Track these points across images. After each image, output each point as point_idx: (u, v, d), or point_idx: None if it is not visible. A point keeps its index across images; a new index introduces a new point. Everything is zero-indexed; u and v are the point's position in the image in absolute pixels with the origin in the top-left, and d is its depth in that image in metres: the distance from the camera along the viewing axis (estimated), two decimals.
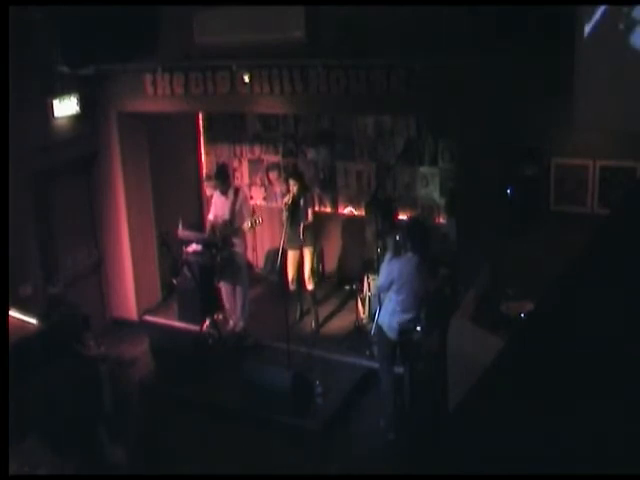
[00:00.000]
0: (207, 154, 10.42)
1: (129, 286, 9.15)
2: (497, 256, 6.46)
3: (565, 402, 1.52)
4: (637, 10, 5.85)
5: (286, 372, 7.22)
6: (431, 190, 9.04)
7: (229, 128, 10.14)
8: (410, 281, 6.39)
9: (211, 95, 7.98)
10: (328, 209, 9.77)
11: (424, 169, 9.03)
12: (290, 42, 7.26)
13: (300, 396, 7.15)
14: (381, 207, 8.03)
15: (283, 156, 9.93)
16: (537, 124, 6.48)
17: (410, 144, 9.00)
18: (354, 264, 9.27)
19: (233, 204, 8.33)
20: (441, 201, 8.95)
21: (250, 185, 10.20)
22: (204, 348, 8.18)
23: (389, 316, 6.53)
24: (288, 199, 8.36)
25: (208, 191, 9.99)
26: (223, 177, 8.52)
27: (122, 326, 9.10)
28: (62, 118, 8.15)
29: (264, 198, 10.21)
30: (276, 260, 8.34)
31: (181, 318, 8.97)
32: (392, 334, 6.54)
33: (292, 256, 8.59)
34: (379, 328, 6.68)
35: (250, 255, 9.86)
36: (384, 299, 6.68)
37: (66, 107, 8.16)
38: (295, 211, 8.29)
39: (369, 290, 8.22)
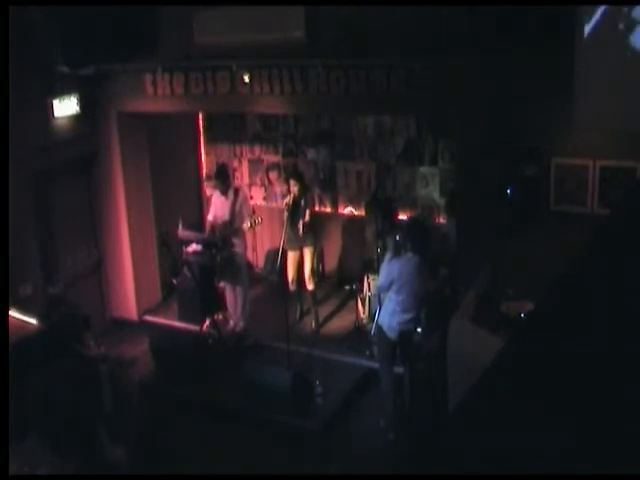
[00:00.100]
0: (207, 154, 10.43)
1: (129, 286, 9.15)
2: (497, 256, 6.46)
3: (565, 402, 1.52)
4: (637, 10, 5.85)
5: (286, 372, 7.22)
6: (431, 190, 9.04)
7: (229, 128, 10.14)
8: (410, 281, 6.39)
9: (211, 95, 7.98)
10: (328, 209, 9.77)
11: (424, 169, 9.03)
12: (290, 42, 7.26)
13: (300, 396, 7.15)
14: (381, 207, 8.03)
15: (283, 156, 9.93)
16: (537, 124, 6.48)
17: (410, 144, 9.00)
18: (354, 264, 9.27)
19: (233, 204, 8.33)
20: (441, 201, 8.95)
21: (250, 185, 10.20)
22: (204, 348, 8.18)
23: (389, 316, 6.53)
24: (289, 199, 8.36)
25: (208, 191, 9.99)
26: (223, 177, 8.52)
27: (122, 326, 9.09)
28: (62, 118, 8.15)
29: (264, 198, 10.21)
30: (276, 260, 8.34)
31: (181, 318, 8.97)
32: (392, 334, 6.54)
33: (292, 257, 8.59)
34: (379, 328, 6.68)
35: (250, 255, 9.86)
36: (384, 299, 6.68)
37: (66, 107, 8.16)
38: (296, 211, 8.29)
39: (369, 290, 8.22)
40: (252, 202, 9.87)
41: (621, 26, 5.95)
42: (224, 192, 8.43)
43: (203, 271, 8.52)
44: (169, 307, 9.35)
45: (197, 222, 9.96)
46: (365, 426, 6.95)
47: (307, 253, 8.57)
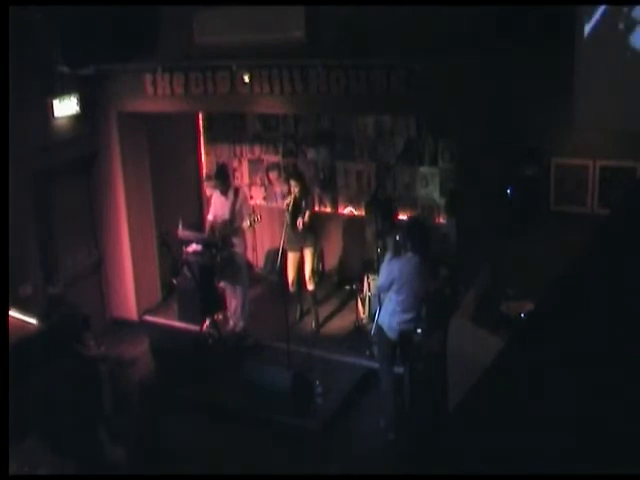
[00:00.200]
0: (207, 154, 10.43)
1: (129, 286, 9.15)
2: (497, 256, 6.46)
3: (565, 402, 1.52)
4: (637, 10, 5.85)
5: (286, 372, 7.22)
6: (431, 190, 9.04)
7: (229, 128, 10.14)
8: (410, 281, 6.39)
9: (211, 95, 7.98)
10: (328, 209, 9.77)
11: (424, 169, 9.03)
12: (290, 42, 7.26)
13: (300, 396, 7.15)
14: (381, 207, 8.03)
15: (283, 156, 9.93)
16: (537, 124, 6.48)
17: (410, 144, 9.00)
18: (354, 264, 9.27)
19: (233, 204, 8.33)
20: (441, 201, 8.95)
21: (250, 185, 10.20)
22: (204, 348, 8.18)
23: (389, 316, 6.53)
24: (290, 200, 8.36)
25: (208, 191, 9.99)
26: (223, 177, 8.53)
27: (122, 326, 9.09)
28: (62, 118, 8.15)
29: (264, 198, 10.21)
30: (276, 260, 8.34)
31: (181, 318, 8.97)
32: (392, 334, 6.54)
33: (292, 258, 8.58)
34: (379, 328, 6.68)
35: (250, 255, 9.86)
36: (384, 299, 6.68)
37: (66, 107, 8.16)
38: (296, 212, 8.29)
39: (369, 290, 8.22)
40: (252, 202, 9.87)
41: (621, 26, 5.95)
42: (224, 192, 8.43)
43: (203, 271, 8.52)
44: (169, 307, 9.35)
45: (197, 222, 9.96)
46: (365, 426, 6.95)
47: (307, 254, 8.57)
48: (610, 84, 6.01)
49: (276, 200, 9.99)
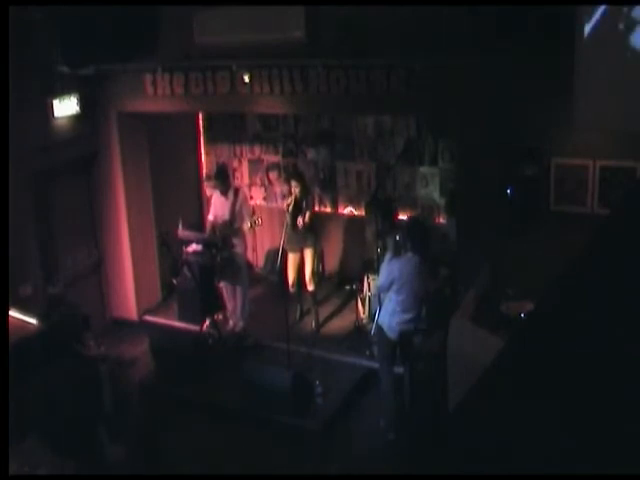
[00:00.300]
0: (207, 154, 10.42)
1: (129, 286, 9.15)
2: (497, 256, 6.46)
3: (565, 402, 1.52)
4: (637, 10, 5.85)
5: (286, 372, 7.22)
6: (431, 190, 9.04)
7: (229, 128, 10.14)
8: (410, 281, 6.39)
9: (211, 95, 7.98)
10: (328, 209, 9.77)
11: (424, 169, 9.03)
12: (290, 42, 7.26)
13: (300, 396, 7.15)
14: (381, 207, 8.03)
15: (283, 156, 9.93)
16: (537, 124, 6.48)
17: (410, 144, 9.00)
18: (354, 264, 9.27)
19: (233, 204, 8.33)
20: (441, 201, 8.95)
21: (250, 185, 10.20)
22: (204, 348, 8.18)
23: (389, 316, 6.53)
24: (290, 200, 8.35)
25: (208, 191, 9.99)
26: (223, 177, 8.53)
27: (122, 326, 9.09)
28: (62, 118, 8.15)
29: (264, 198, 10.21)
30: (276, 260, 8.33)
31: (181, 318, 8.97)
32: (392, 334, 6.54)
33: (292, 259, 8.58)
34: (379, 328, 6.68)
35: (250, 255, 9.86)
36: (384, 299, 6.68)
37: (66, 107, 8.16)
38: (297, 213, 8.29)
39: (369, 290, 8.22)
40: (252, 202, 9.86)
41: (621, 26, 5.95)
42: (224, 192, 8.43)
43: (203, 271, 8.52)
44: (169, 307, 9.35)
45: (197, 222, 9.96)
46: (365, 426, 6.95)
47: (308, 255, 8.57)
48: (610, 84, 6.01)
49: (276, 200, 9.99)
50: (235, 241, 8.39)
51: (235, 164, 10.23)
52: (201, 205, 10.39)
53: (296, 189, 8.35)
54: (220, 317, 8.71)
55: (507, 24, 6.20)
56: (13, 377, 5.30)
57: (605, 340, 1.65)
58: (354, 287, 8.72)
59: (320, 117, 9.45)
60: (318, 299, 8.95)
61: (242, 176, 10.24)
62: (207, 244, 8.48)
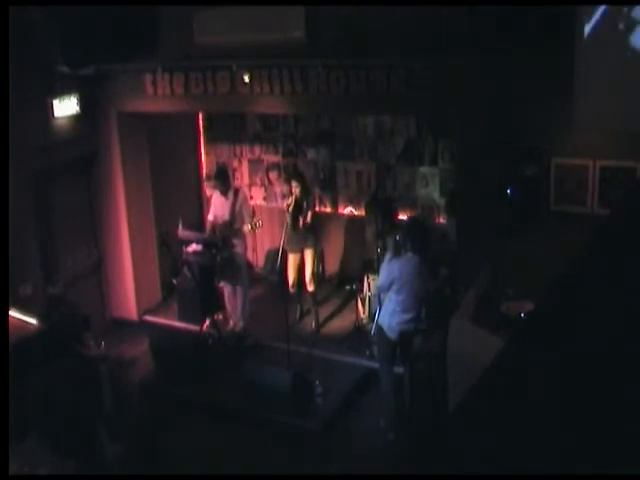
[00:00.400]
0: (207, 154, 10.42)
1: (129, 286, 9.15)
2: (497, 256, 6.46)
3: (565, 402, 1.52)
4: (637, 10, 5.85)
5: (286, 372, 7.22)
6: (431, 190, 9.04)
7: (229, 128, 10.14)
8: (410, 281, 6.39)
9: (211, 95, 7.98)
10: (328, 209, 9.77)
11: (424, 169, 9.03)
12: (290, 42, 7.26)
13: (300, 396, 7.15)
14: (381, 207, 8.03)
15: (283, 156, 9.93)
16: (537, 124, 6.48)
17: (410, 144, 9.00)
18: (354, 264, 9.27)
19: (233, 205, 8.33)
20: (441, 201, 8.95)
21: (250, 185, 10.20)
22: (204, 348, 8.18)
23: (389, 316, 6.53)
24: (290, 201, 8.35)
25: (208, 191, 9.98)
26: (223, 177, 8.53)
27: (122, 326, 9.09)
28: (62, 118, 8.15)
29: (264, 198, 10.21)
30: (276, 260, 8.33)
31: (181, 318, 8.97)
32: (392, 334, 6.54)
33: (293, 259, 8.58)
34: (379, 328, 6.68)
35: (250, 255, 9.86)
36: (384, 299, 6.68)
37: (66, 107, 8.16)
38: (297, 213, 8.28)
39: (369, 290, 8.22)
40: (252, 202, 9.86)
41: (621, 26, 5.95)
42: (224, 192, 8.43)
43: (203, 271, 8.52)
44: (169, 307, 9.35)
45: (197, 222, 9.96)
46: (365, 426, 6.95)
47: (308, 255, 8.56)
48: (610, 84, 6.01)
49: (276, 200, 9.99)
50: (235, 241, 8.39)
51: (235, 164, 10.23)
52: (201, 205, 10.39)
53: (296, 189, 8.35)
54: (220, 317, 8.71)
55: (507, 24, 6.20)
56: (13, 377, 5.30)
57: (605, 340, 1.65)
58: (354, 287, 8.71)
59: (320, 117, 9.45)
60: (318, 299, 8.95)
61: (242, 176, 10.24)
62: (207, 244, 8.48)
